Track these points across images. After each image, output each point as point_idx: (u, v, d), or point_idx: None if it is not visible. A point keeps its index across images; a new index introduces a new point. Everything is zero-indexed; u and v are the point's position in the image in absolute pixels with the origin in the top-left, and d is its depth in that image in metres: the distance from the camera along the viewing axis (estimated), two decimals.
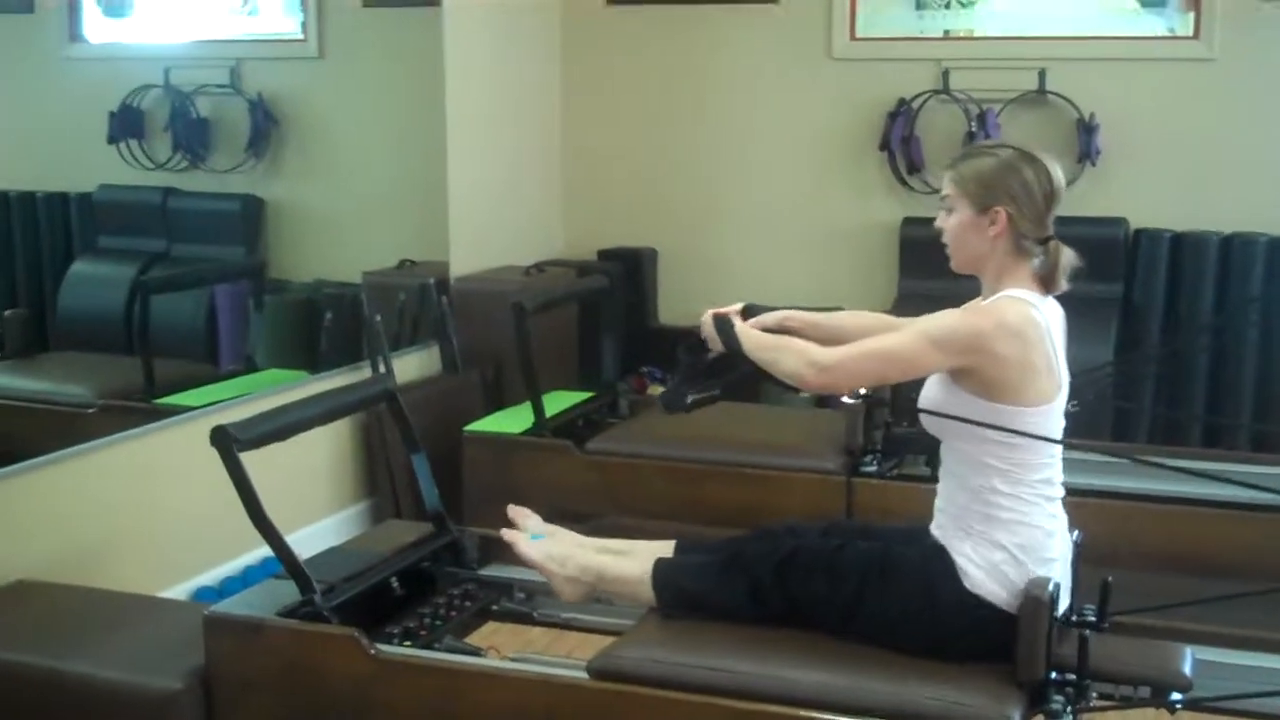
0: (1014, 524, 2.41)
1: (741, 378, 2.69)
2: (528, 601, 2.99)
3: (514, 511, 2.89)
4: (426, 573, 2.90)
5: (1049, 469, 2.47)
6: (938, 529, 2.50)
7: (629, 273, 5.49)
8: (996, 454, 2.41)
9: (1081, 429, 3.73)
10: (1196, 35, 5.00)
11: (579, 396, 4.32)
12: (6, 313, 3.83)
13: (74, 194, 4.05)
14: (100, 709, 2.60)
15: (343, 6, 4.76)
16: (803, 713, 2.30)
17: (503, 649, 2.79)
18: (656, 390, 5.20)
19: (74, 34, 4.11)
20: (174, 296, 4.31)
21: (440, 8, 4.77)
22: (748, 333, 2.65)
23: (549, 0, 5.58)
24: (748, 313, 2.81)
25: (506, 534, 2.84)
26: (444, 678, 2.49)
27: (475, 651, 2.66)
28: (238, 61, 4.45)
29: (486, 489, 3.90)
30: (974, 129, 5.09)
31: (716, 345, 2.67)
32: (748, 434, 3.90)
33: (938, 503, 2.53)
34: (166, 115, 4.27)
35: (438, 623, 2.74)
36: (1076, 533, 2.56)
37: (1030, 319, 2.41)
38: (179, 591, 3.59)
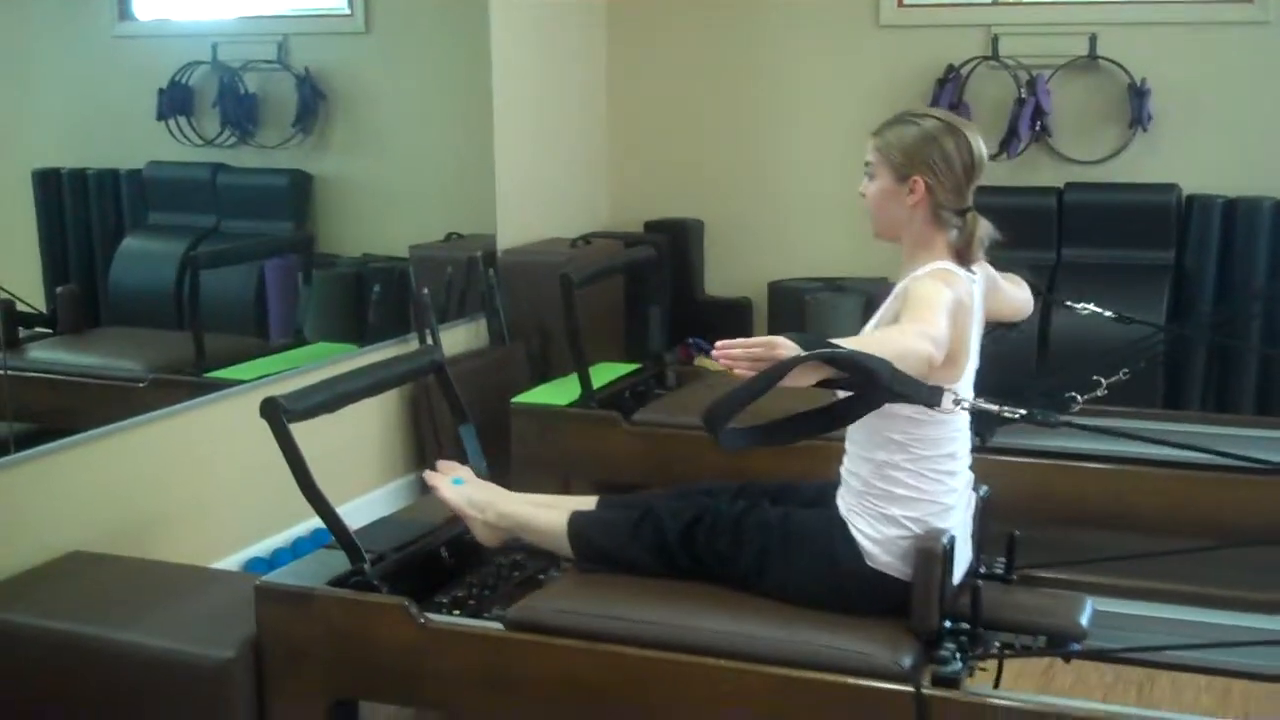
0: (912, 500, 2.43)
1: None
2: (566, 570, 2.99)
3: (442, 464, 2.91)
4: (474, 543, 2.91)
5: (953, 443, 2.48)
6: (840, 500, 2.52)
7: (675, 244, 5.48)
8: (902, 429, 2.41)
9: (1132, 395, 3.72)
10: None
11: (626, 368, 4.32)
12: (59, 289, 3.87)
13: (124, 171, 4.08)
14: (153, 678, 2.63)
15: None
16: (705, 659, 2.37)
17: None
18: (703, 361, 5.20)
19: (123, 12, 4.13)
20: (224, 271, 4.33)
21: None
22: (844, 342, 2.17)
23: None
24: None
25: (429, 476, 2.87)
26: (493, 647, 2.50)
27: None
28: (285, 37, 4.47)
29: (534, 460, 3.91)
30: (1024, 95, 5.05)
31: (820, 372, 2.15)
32: (793, 405, 3.87)
33: (842, 471, 2.54)
34: (215, 91, 4.30)
35: (486, 592, 2.75)
36: (984, 488, 2.61)
37: (968, 292, 2.47)
38: (230, 562, 3.62)
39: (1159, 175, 4.98)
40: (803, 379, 2.13)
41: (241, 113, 4.35)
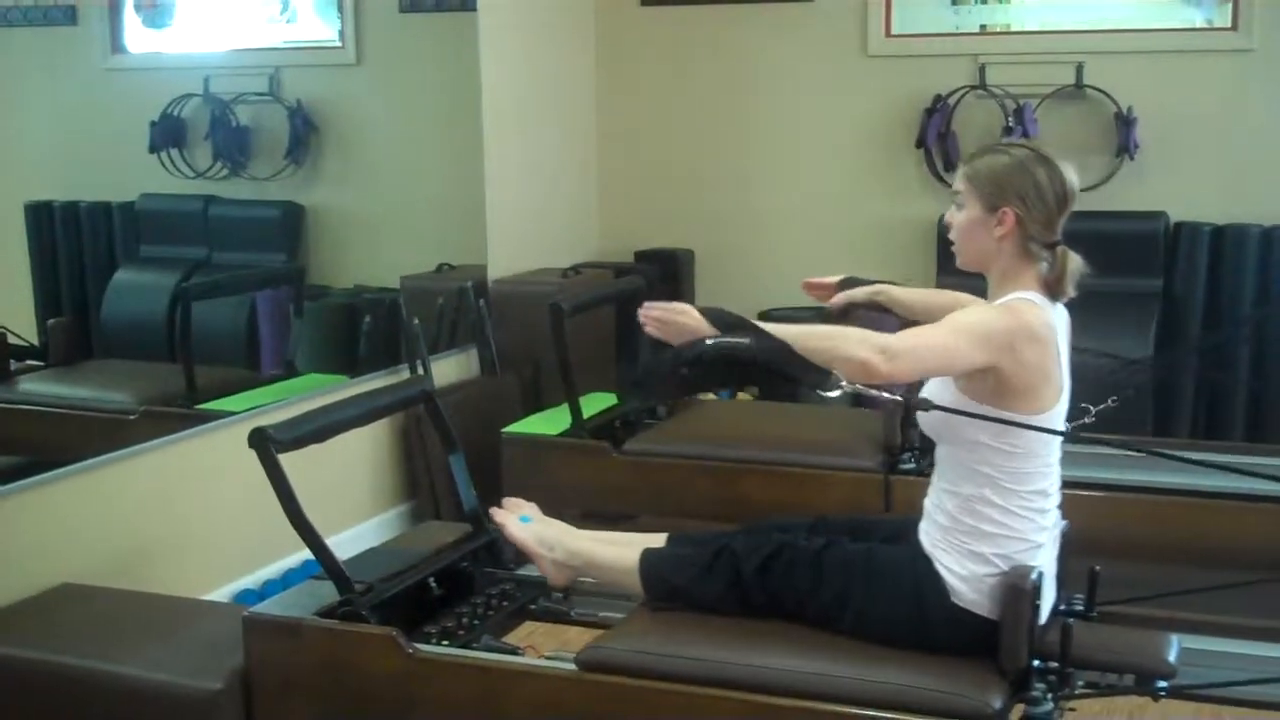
0: (1001, 538, 2.39)
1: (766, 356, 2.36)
2: (565, 601, 2.99)
3: (509, 501, 2.90)
4: (464, 572, 2.92)
5: (1044, 479, 2.43)
6: (924, 535, 2.48)
7: (666, 274, 5.50)
8: (992, 462, 2.38)
9: (1122, 423, 3.73)
10: (1234, 26, 4.97)
11: (616, 398, 4.33)
12: (50, 321, 3.87)
13: (116, 203, 4.09)
14: (142, 709, 2.63)
15: (380, 12, 4.79)
16: (785, 702, 2.32)
17: (540, 648, 2.80)
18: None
19: (116, 45, 4.15)
20: (215, 303, 4.34)
21: (476, 12, 4.79)
22: (784, 327, 2.39)
23: (583, 2, 5.60)
24: (846, 284, 2.89)
25: (496, 513, 2.86)
26: (482, 677, 2.50)
27: (513, 650, 2.66)
28: (276, 69, 4.48)
29: (525, 490, 3.85)
30: (1011, 124, 5.07)
31: (709, 341, 2.39)
32: (785, 432, 3.90)
33: (926, 506, 2.51)
34: (207, 124, 4.30)
35: (476, 622, 2.75)
36: (1065, 523, 2.55)
37: (1046, 323, 2.38)
38: (221, 594, 3.62)
39: (1146, 203, 5.01)
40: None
41: (233, 145, 4.36)
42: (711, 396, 5.19)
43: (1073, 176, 2.46)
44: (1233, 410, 4.89)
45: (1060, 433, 2.42)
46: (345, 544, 3.52)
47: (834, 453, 3.70)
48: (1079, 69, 5.09)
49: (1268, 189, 4.94)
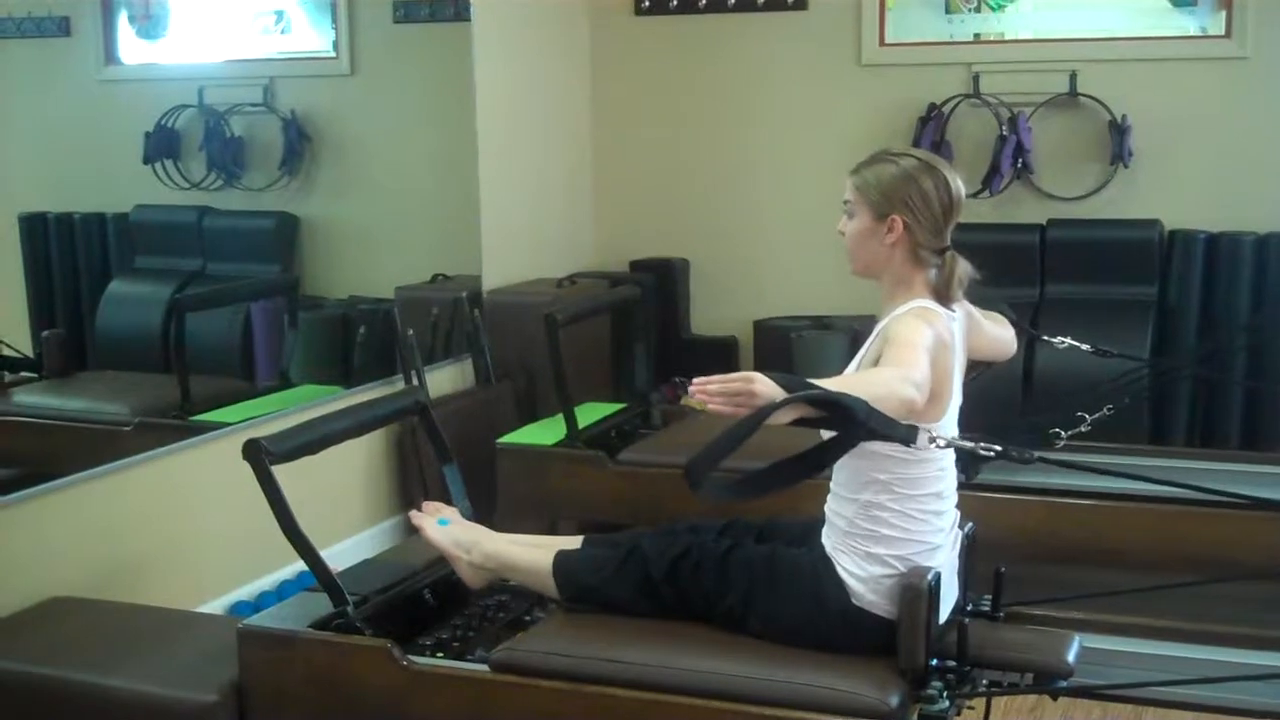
0: (898, 540, 2.43)
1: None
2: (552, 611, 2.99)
3: (428, 505, 2.91)
4: (459, 584, 2.91)
5: (938, 483, 2.48)
6: (826, 539, 2.52)
7: (661, 283, 5.50)
8: (887, 469, 2.42)
9: (1118, 431, 3.74)
10: (1229, 34, 4.97)
11: (611, 408, 4.33)
12: (45, 333, 3.87)
13: (111, 214, 4.09)
14: None
15: (373, 23, 4.79)
16: (691, 700, 2.37)
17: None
18: (689, 401, 5.20)
19: (109, 56, 4.15)
20: (210, 314, 4.33)
21: (470, 22, 4.79)
22: (830, 382, 2.21)
23: (578, 12, 5.60)
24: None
25: (414, 516, 2.87)
26: (476, 688, 2.50)
27: None
28: (271, 80, 4.49)
29: (520, 500, 3.92)
30: (1005, 133, 5.08)
31: (798, 411, 2.16)
32: (780, 443, 3.88)
33: (827, 511, 2.54)
34: (201, 135, 4.30)
35: (470, 634, 2.75)
36: (970, 525, 2.61)
37: (950, 330, 2.47)
38: (215, 606, 3.61)
39: (1141, 211, 5.01)
40: (781, 417, 2.15)
41: (228, 156, 4.37)
42: (702, 406, 5.18)
43: (958, 184, 2.53)
44: (1229, 418, 4.89)
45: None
46: (340, 555, 3.53)
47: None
48: (1073, 77, 5.09)
49: (1262, 197, 4.94)
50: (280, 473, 2.54)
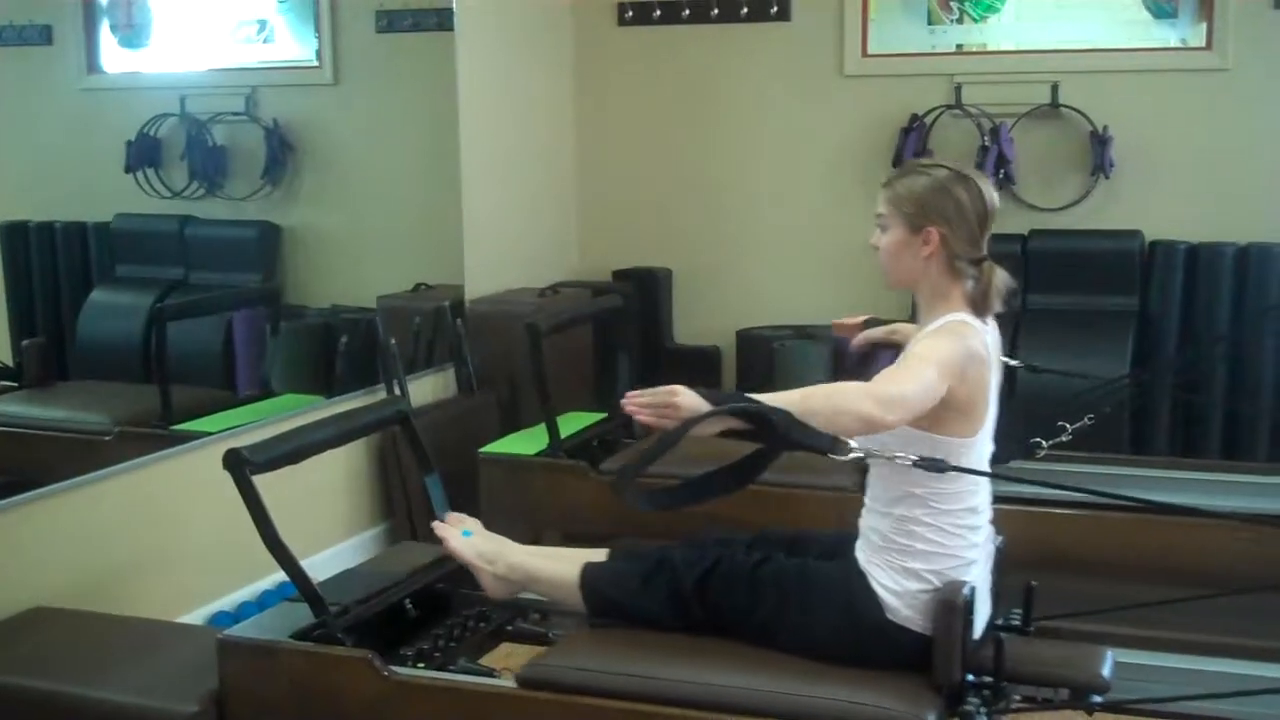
0: (933, 555, 2.41)
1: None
2: (543, 622, 2.98)
3: (451, 516, 2.89)
4: (441, 594, 2.90)
5: (974, 497, 2.46)
6: (860, 553, 2.50)
7: (644, 293, 5.51)
8: (922, 483, 2.40)
9: (1099, 441, 3.74)
10: (1209, 46, 5.00)
11: (594, 417, 4.32)
12: (25, 342, 3.85)
13: (92, 223, 4.08)
14: None
15: (356, 32, 4.79)
16: (722, 717, 2.33)
17: (517, 670, 2.79)
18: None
19: (92, 65, 4.15)
20: (192, 323, 4.33)
21: (453, 32, 4.80)
22: (781, 395, 2.26)
23: (561, 22, 5.61)
24: (869, 324, 2.91)
25: (437, 527, 2.85)
26: (457, 699, 2.49)
27: (489, 673, 2.65)
28: (253, 89, 4.48)
29: (502, 510, 3.90)
30: (987, 143, 5.09)
31: (708, 425, 2.26)
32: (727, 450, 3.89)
33: (861, 525, 2.52)
34: (183, 143, 4.30)
35: (452, 644, 2.74)
36: (1000, 539, 2.58)
37: (984, 344, 2.43)
38: (196, 617, 3.60)
39: (1122, 222, 5.03)
40: (707, 429, 2.25)
41: (210, 165, 4.36)
42: None
43: (992, 193, 2.50)
44: (1209, 428, 4.91)
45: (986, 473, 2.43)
46: (322, 565, 3.52)
47: (811, 472, 3.68)
48: (1054, 88, 5.11)
49: (1242, 207, 4.96)
50: (261, 482, 2.53)
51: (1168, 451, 4.86)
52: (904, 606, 2.41)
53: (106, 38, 4.20)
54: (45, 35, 3.97)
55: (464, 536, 2.82)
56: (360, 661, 2.50)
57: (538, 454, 3.96)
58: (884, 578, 2.43)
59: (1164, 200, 5.06)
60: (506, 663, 2.88)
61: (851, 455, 2.24)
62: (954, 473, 2.36)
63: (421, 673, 2.57)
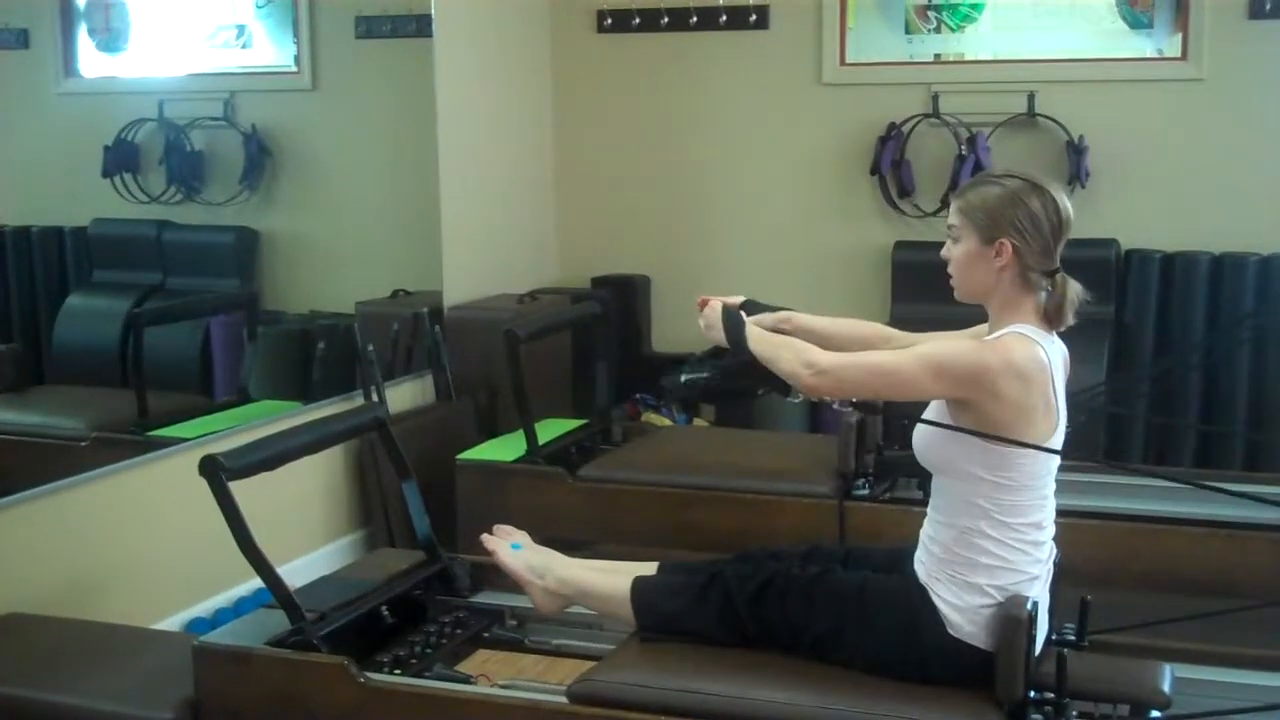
0: (996, 569, 2.39)
1: (737, 368, 2.64)
2: (519, 628, 2.98)
3: (500, 529, 2.89)
4: (418, 600, 2.91)
5: (1038, 512, 2.43)
6: (920, 565, 2.47)
7: (622, 300, 5.51)
8: (986, 495, 2.38)
9: (1074, 450, 3.74)
10: (1184, 56, 5.04)
11: (572, 424, 4.33)
12: (1, 347, 3.84)
13: (69, 228, 4.06)
14: None
15: (335, 38, 4.78)
16: None
17: (494, 676, 2.79)
18: (650, 417, 5.22)
19: (69, 69, 4.13)
20: (169, 328, 4.31)
21: (432, 39, 4.80)
22: (751, 327, 2.62)
23: (540, 29, 5.62)
24: (747, 308, 2.80)
25: (487, 540, 2.84)
26: (434, 706, 2.49)
27: (466, 679, 2.65)
28: (231, 94, 4.47)
29: (480, 517, 3.88)
30: (964, 152, 5.12)
31: (715, 334, 2.67)
32: (740, 459, 3.91)
33: (922, 536, 2.50)
34: (161, 148, 4.28)
35: (428, 650, 2.74)
36: (1056, 553, 2.54)
37: (1036, 359, 2.36)
38: (172, 623, 3.59)
39: (1098, 231, 5.05)
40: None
41: (188, 170, 4.34)
42: (668, 422, 5.20)
43: (1066, 203, 2.45)
44: (1183, 437, 4.93)
45: (1055, 452, 2.42)
46: (298, 571, 3.51)
47: (789, 479, 3.71)
48: (1031, 98, 5.13)
49: (1217, 217, 4.99)
50: (239, 488, 2.53)
51: (1142, 459, 4.89)
52: (966, 622, 2.38)
53: (84, 42, 4.18)
54: (22, 39, 3.95)
55: (513, 549, 2.81)
56: (335, 668, 2.50)
57: (516, 460, 3.96)
58: (946, 593, 2.41)
59: (1139, 209, 5.09)
60: (483, 669, 2.89)
61: (796, 399, 2.55)
62: (1019, 486, 2.37)
63: (397, 679, 2.57)
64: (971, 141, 5.12)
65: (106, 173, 4.13)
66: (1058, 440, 2.43)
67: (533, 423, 3.96)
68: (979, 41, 5.33)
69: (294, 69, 4.70)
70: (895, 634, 2.42)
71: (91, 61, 4.18)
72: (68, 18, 4.14)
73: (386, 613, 2.80)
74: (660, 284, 5.66)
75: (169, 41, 4.44)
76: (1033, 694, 2.36)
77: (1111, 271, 5.00)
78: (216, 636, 2.66)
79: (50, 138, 4.05)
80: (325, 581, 2.97)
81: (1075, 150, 5.04)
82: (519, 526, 3.86)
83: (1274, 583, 3.20)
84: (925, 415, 2.48)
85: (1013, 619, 2.31)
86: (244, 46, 4.63)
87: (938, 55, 5.37)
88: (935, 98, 5.22)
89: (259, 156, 4.46)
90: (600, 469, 3.92)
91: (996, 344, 2.38)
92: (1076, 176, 5.04)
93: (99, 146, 4.12)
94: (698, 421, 5.40)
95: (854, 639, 2.44)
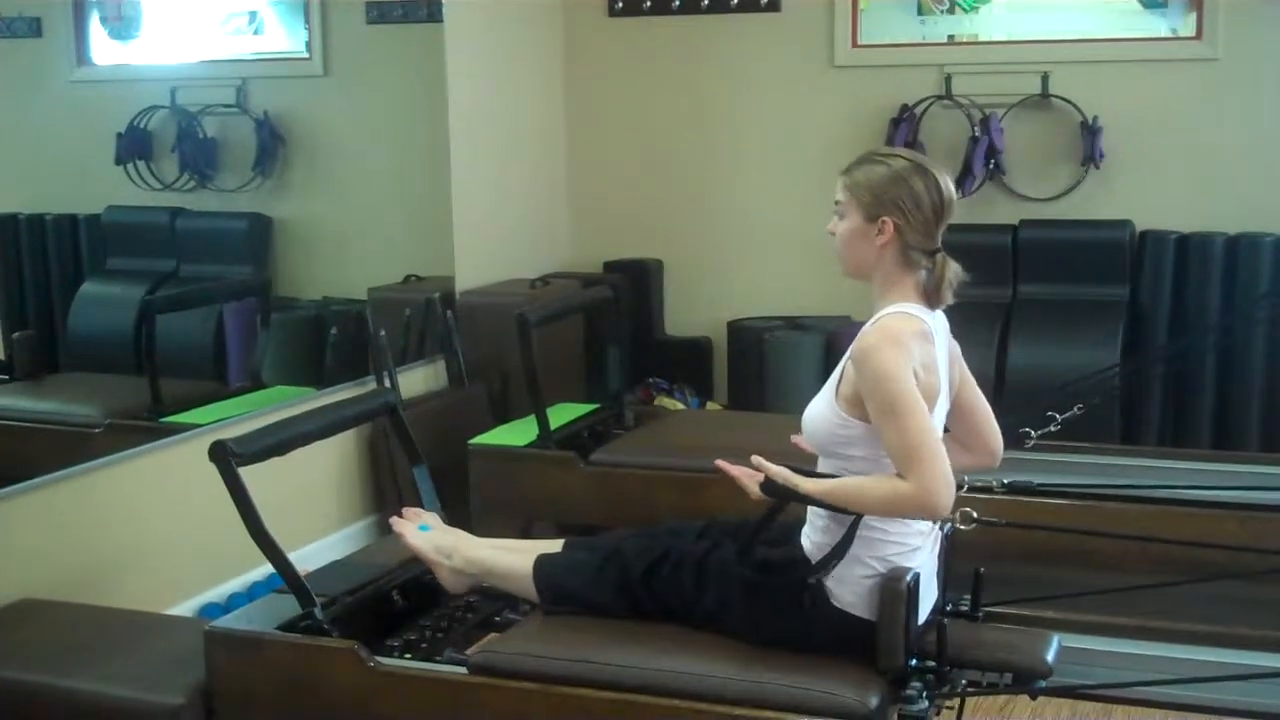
0: (877, 542, 2.43)
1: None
2: (530, 613, 2.99)
3: (408, 511, 2.92)
4: (428, 585, 2.91)
5: None
6: (806, 538, 2.51)
7: (635, 284, 5.51)
8: (865, 470, 2.42)
9: (1089, 431, 3.75)
10: (1199, 35, 5.00)
11: (584, 408, 4.33)
12: (15, 335, 3.85)
13: (82, 216, 4.07)
14: None
15: (346, 24, 4.79)
16: (669, 701, 2.37)
17: None
18: (662, 401, 5.22)
19: (81, 57, 4.13)
20: (182, 315, 4.32)
21: (443, 23, 4.79)
22: (813, 483, 2.45)
23: (551, 13, 5.61)
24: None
25: (395, 522, 2.87)
26: (444, 690, 2.50)
27: None
28: (243, 81, 4.47)
29: (492, 501, 3.91)
30: (977, 134, 5.10)
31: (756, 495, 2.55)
32: (752, 443, 3.89)
33: (808, 514, 2.53)
34: (173, 136, 4.29)
35: (439, 635, 2.74)
36: (948, 524, 2.61)
37: (917, 333, 2.41)
38: (185, 609, 3.60)
39: (1112, 212, 5.04)
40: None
41: (200, 157, 4.35)
42: (680, 406, 5.20)
43: (949, 186, 2.51)
44: (1199, 418, 4.91)
45: None
46: (311, 557, 3.52)
47: (801, 461, 3.69)
48: (1045, 79, 5.11)
49: (1232, 197, 4.97)
50: (251, 474, 2.54)
51: (1157, 441, 4.87)
52: (848, 593, 2.43)
53: (96, 30, 4.19)
54: (35, 28, 3.96)
55: (421, 531, 2.84)
56: (346, 652, 2.51)
57: (528, 445, 3.96)
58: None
59: (1154, 190, 5.06)
60: None
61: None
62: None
63: (407, 663, 2.58)
64: (985, 123, 5.10)
65: (119, 160, 4.14)
66: (941, 411, 2.49)
67: (545, 407, 3.95)
68: (992, 22, 5.30)
69: (306, 55, 4.70)
70: (782, 606, 2.47)
71: (104, 49, 4.19)
72: (80, 6, 4.15)
73: (398, 597, 2.81)
74: (672, 268, 5.65)
75: (181, 28, 4.45)
76: (914, 662, 2.42)
77: (1126, 253, 4.99)
78: (227, 621, 2.67)
79: (63, 126, 4.06)
80: (337, 566, 2.99)
81: (1089, 131, 5.02)
82: (532, 510, 3.92)
83: (1174, 558, 3.19)
84: (813, 404, 2.54)
85: (893, 590, 2.37)
86: (256, 33, 4.64)
87: (951, 36, 5.34)
88: (948, 79, 5.20)
89: (271, 143, 4.47)
90: (612, 453, 3.92)
91: (888, 331, 2.40)
92: (1091, 157, 5.02)
93: (112, 134, 4.13)
94: (710, 406, 5.40)
95: (742, 610, 2.50)
